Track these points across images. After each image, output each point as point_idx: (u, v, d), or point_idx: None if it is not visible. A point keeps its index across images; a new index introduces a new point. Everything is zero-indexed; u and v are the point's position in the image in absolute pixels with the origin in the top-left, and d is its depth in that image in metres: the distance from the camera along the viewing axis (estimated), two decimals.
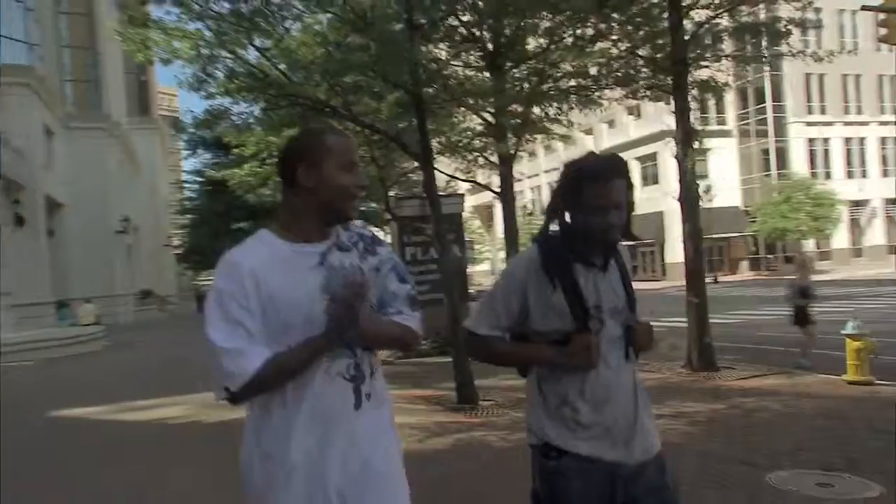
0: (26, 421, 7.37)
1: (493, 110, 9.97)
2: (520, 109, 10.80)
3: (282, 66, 6.75)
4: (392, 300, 1.64)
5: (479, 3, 8.64)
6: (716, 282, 31.71)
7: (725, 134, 37.53)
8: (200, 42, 6.72)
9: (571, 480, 1.71)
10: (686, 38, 8.19)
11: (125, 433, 6.54)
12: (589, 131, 39.52)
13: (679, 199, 8.46)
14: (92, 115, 29.02)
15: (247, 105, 7.81)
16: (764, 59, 8.77)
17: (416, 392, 7.74)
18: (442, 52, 10.38)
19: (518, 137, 11.50)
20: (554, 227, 1.85)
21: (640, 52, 8.68)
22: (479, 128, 12.09)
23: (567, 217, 1.78)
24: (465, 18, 9.62)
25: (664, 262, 37.11)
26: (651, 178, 37.90)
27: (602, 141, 39.81)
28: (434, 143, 12.25)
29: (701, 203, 8.60)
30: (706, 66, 8.77)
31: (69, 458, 5.68)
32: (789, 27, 8.53)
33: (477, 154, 12.74)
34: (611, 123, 40.26)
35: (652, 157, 37.43)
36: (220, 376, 1.46)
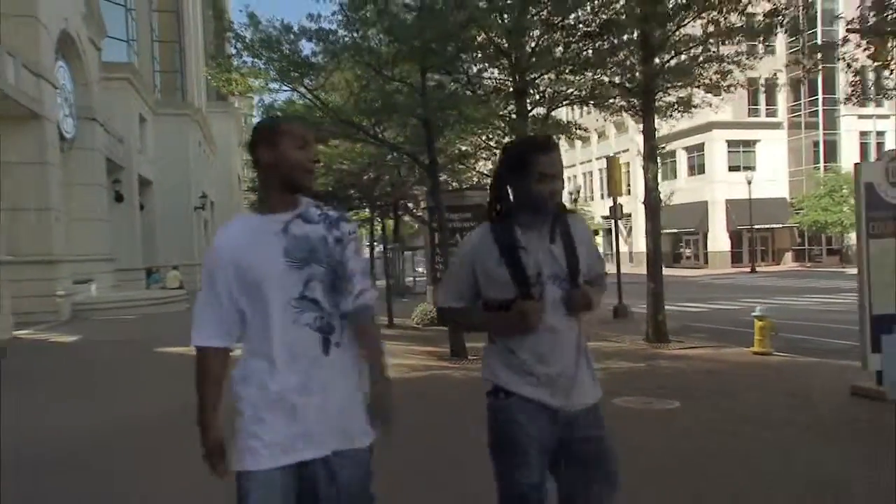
0: (141, 353, 10.15)
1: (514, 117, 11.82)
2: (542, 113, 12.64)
3: (325, 98, 9.08)
4: (353, 274, 1.90)
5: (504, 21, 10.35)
6: (752, 271, 32.56)
7: (776, 126, 37.80)
8: (268, 78, 9.15)
9: (516, 416, 1.95)
10: (654, 72, 10.00)
11: None
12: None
13: (644, 203, 10.33)
14: (176, 102, 32.51)
15: None
16: (724, 87, 10.42)
17: (424, 348, 10.05)
18: (473, 65, 12.28)
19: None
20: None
21: (617, 79, 10.53)
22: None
23: (513, 191, 1.96)
24: (492, 35, 11.51)
25: (707, 251, 37.94)
26: (697, 169, 38.65)
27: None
28: (463, 147, 14.48)
29: (662, 205, 10.39)
30: (671, 93, 10.54)
31: (172, 375, 8.29)
32: (744, 60, 10.21)
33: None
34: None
35: (699, 147, 38.13)
36: (194, 331, 1.88)
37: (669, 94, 10.56)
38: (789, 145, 37.65)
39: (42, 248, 14.74)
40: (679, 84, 10.35)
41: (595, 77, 11.09)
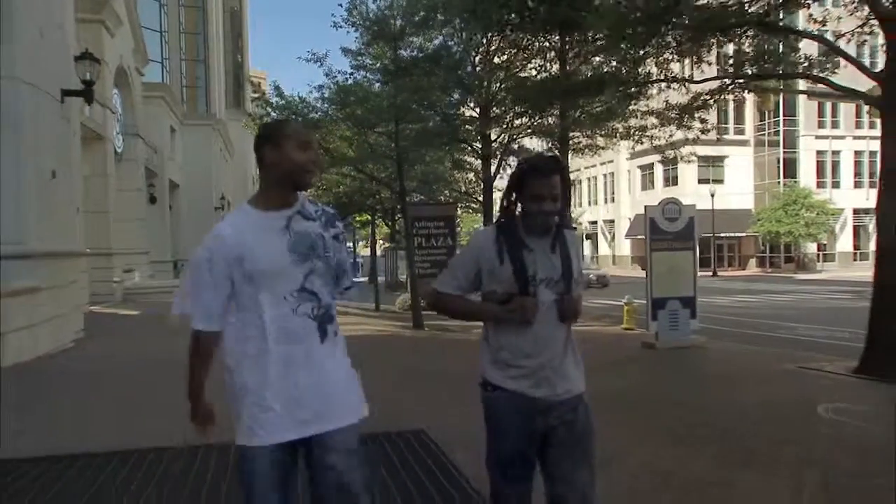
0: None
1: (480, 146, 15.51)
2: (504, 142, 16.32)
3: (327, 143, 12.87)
4: (346, 271, 2.12)
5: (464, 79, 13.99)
6: (714, 275, 36.11)
7: (744, 143, 41.31)
8: None
9: (501, 407, 2.21)
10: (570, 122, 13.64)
11: None
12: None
13: None
14: (200, 113, 36.43)
15: None
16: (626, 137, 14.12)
17: (394, 322, 13.80)
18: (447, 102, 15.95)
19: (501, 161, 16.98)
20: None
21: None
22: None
23: (518, 204, 2.20)
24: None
25: None
26: (672, 181, 42.25)
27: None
28: (440, 168, 18.27)
29: (575, 224, 14.03)
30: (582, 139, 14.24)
31: None
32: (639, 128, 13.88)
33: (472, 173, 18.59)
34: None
35: (674, 161, 41.60)
36: (196, 314, 2.03)
37: (583, 140, 14.25)
38: (755, 161, 41.16)
39: (103, 244, 18.52)
40: (590, 132, 14.03)
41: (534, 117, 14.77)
